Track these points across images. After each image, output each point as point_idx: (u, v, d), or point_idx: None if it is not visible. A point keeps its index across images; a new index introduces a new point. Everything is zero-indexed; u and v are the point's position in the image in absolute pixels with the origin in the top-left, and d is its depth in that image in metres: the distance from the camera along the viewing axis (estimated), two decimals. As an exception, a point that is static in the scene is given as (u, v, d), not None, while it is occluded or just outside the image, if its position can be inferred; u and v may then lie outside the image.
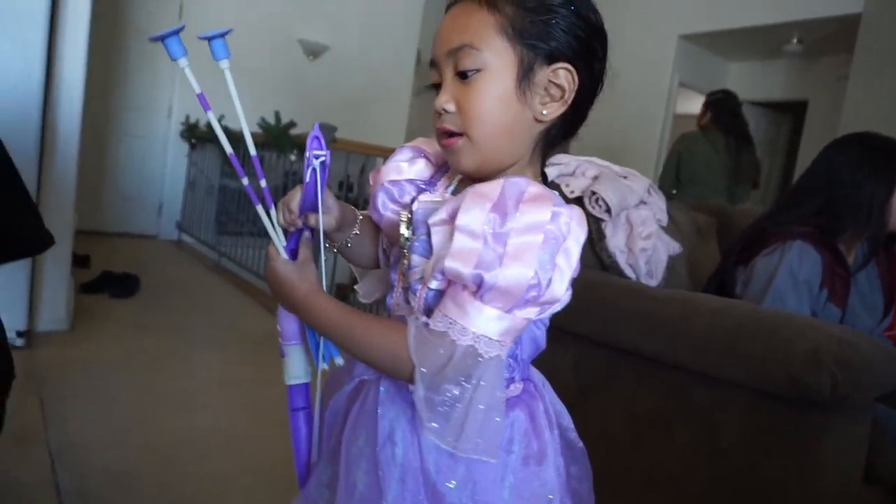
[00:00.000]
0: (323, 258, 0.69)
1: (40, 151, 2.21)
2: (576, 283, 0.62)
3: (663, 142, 5.66)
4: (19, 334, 2.20)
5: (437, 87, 0.65)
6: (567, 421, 0.74)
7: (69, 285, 2.47)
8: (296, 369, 0.73)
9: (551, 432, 0.69)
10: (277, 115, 3.89)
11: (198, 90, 0.62)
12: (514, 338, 0.60)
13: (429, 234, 0.62)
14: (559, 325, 0.67)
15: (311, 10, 5.39)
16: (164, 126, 5.01)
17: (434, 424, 0.57)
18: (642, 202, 1.42)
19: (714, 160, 3.25)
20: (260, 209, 0.66)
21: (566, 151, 0.70)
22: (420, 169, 0.73)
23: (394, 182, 0.72)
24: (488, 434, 0.58)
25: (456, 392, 0.57)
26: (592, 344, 1.25)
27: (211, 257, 4.46)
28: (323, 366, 0.73)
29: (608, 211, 1.35)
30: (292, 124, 3.82)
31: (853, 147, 1.36)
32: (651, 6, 5.60)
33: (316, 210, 0.66)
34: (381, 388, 0.67)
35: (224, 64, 0.67)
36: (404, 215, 0.66)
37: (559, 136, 0.67)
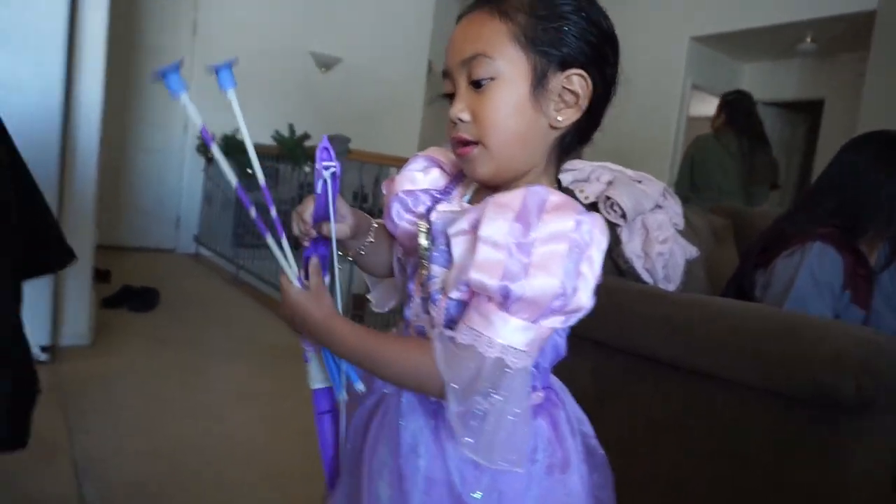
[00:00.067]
0: (337, 267, 0.70)
1: (61, 169, 2.25)
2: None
3: (677, 145, 5.63)
4: (43, 349, 2.23)
5: (450, 96, 0.65)
6: (588, 428, 0.73)
7: (91, 300, 2.50)
8: (320, 373, 0.73)
9: (574, 440, 0.69)
10: (291, 128, 3.93)
11: (200, 123, 0.62)
12: (539, 347, 0.60)
13: (448, 245, 0.62)
14: (576, 332, 0.66)
15: (323, 24, 5.44)
16: (181, 141, 5.08)
17: (469, 440, 0.57)
18: (658, 206, 1.41)
19: (728, 163, 3.22)
20: (270, 240, 0.65)
21: (579, 157, 0.70)
22: (434, 178, 0.73)
23: (408, 192, 0.73)
24: (518, 445, 0.58)
25: (487, 406, 0.57)
26: (610, 350, 1.24)
27: (229, 270, 4.50)
28: (343, 395, 0.72)
29: (623, 216, 1.34)
30: (306, 136, 3.86)
31: (871, 146, 1.34)
32: (662, 9, 5.59)
33: (328, 217, 0.67)
34: (403, 400, 0.67)
35: (231, 94, 0.66)
36: (423, 226, 0.66)
37: (574, 142, 0.67)
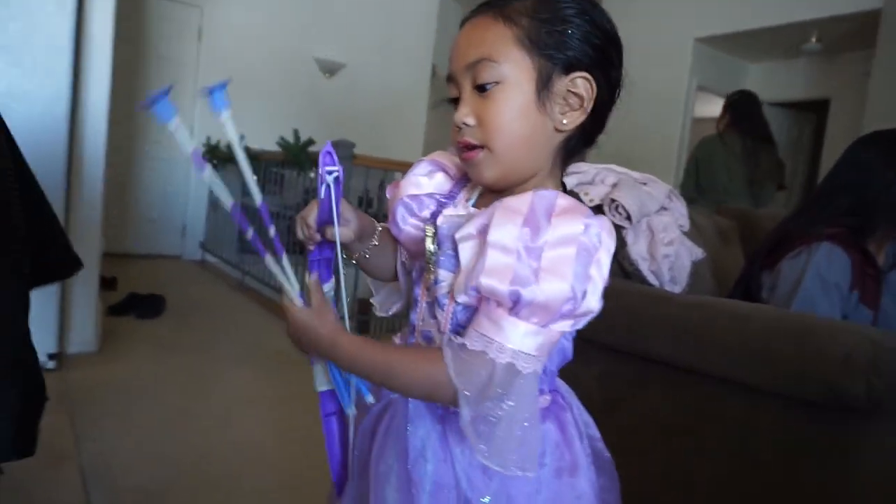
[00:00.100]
0: (342, 271, 0.69)
1: (68, 178, 2.26)
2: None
3: (683, 147, 5.61)
4: (50, 357, 2.24)
5: (454, 101, 0.65)
6: (594, 431, 0.73)
7: (97, 308, 2.51)
8: (325, 376, 0.73)
9: (581, 443, 0.69)
10: (296, 133, 3.94)
11: (190, 149, 0.61)
12: (549, 351, 0.60)
13: (455, 249, 0.62)
14: (581, 335, 0.66)
15: (327, 29, 5.47)
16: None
17: (483, 447, 0.57)
18: (663, 208, 1.41)
19: (733, 164, 3.20)
20: (268, 260, 0.64)
21: (583, 160, 0.70)
22: (439, 182, 0.73)
23: (413, 196, 0.73)
24: (529, 449, 0.58)
25: (499, 412, 0.57)
26: (616, 353, 1.23)
27: (234, 276, 4.51)
28: (352, 410, 0.72)
29: (628, 218, 1.34)
30: (311, 142, 3.87)
31: (878, 145, 1.33)
32: (666, 10, 5.58)
33: (332, 221, 0.66)
34: (410, 405, 0.67)
35: (225, 115, 0.65)
36: (429, 230, 0.66)
37: (579, 145, 0.67)
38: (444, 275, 0.64)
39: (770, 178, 3.24)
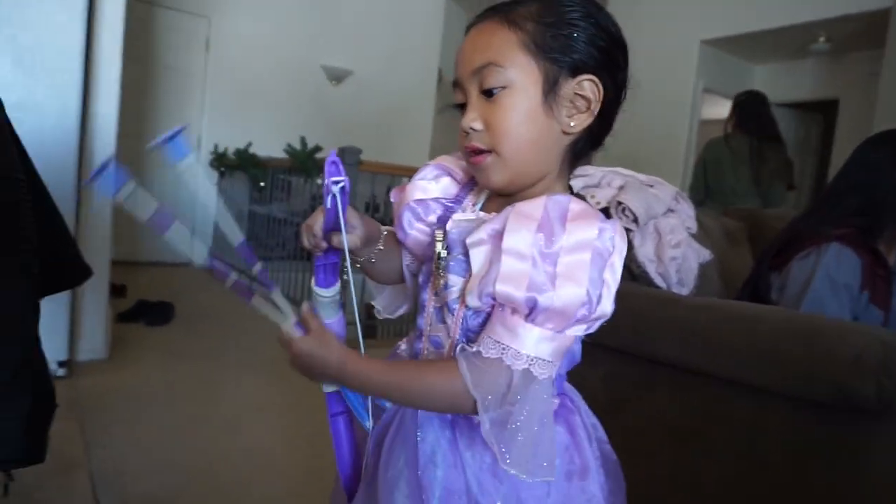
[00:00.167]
0: (351, 279, 0.69)
1: (78, 187, 2.28)
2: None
3: (690, 149, 5.59)
4: (60, 364, 2.26)
5: (461, 106, 0.66)
6: (601, 433, 0.73)
7: (107, 315, 2.53)
8: None
9: (591, 446, 0.68)
10: (303, 141, 3.96)
11: (147, 216, 0.61)
12: (563, 356, 0.60)
13: (466, 254, 0.62)
14: (588, 337, 0.66)
15: (334, 37, 5.51)
16: (194, 157, 5.13)
17: (507, 455, 0.57)
18: (670, 210, 1.40)
19: (739, 165, 3.19)
20: (255, 302, 0.62)
21: (589, 163, 0.70)
22: (445, 186, 0.73)
23: (419, 201, 0.73)
24: (547, 454, 0.58)
25: (520, 419, 0.57)
26: (623, 356, 1.23)
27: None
28: (370, 424, 0.72)
29: (635, 221, 1.33)
30: (318, 149, 3.89)
31: (888, 144, 1.33)
32: (671, 13, 5.57)
33: (339, 230, 0.66)
34: (419, 412, 0.66)
35: (187, 161, 0.64)
36: (439, 235, 0.66)
37: (586, 147, 0.67)
38: (454, 279, 0.64)
39: (778, 178, 3.22)
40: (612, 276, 0.58)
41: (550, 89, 0.61)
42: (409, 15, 5.85)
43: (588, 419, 0.71)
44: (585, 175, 1.43)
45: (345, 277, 0.70)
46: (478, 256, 0.60)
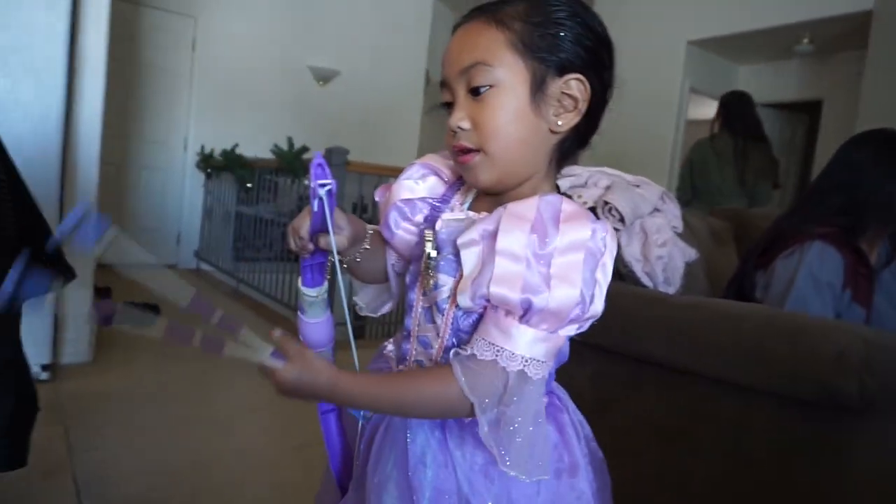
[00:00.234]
0: (340, 282, 0.69)
1: (61, 188, 2.25)
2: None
3: (676, 149, 5.63)
4: (44, 368, 2.23)
5: (448, 105, 0.65)
6: (588, 430, 0.73)
7: (91, 318, 2.50)
8: None
9: (579, 444, 0.69)
10: (290, 141, 3.95)
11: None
12: (555, 356, 0.61)
13: (456, 254, 0.62)
14: (575, 337, 0.66)
15: (320, 37, 5.48)
16: (181, 158, 5.10)
17: (506, 457, 0.57)
18: (656, 210, 1.41)
19: (724, 165, 3.22)
20: (228, 349, 0.60)
21: (576, 162, 0.70)
22: (432, 186, 0.73)
23: (406, 201, 0.73)
24: (542, 453, 0.59)
25: (517, 422, 0.57)
26: (610, 354, 1.23)
27: (229, 284, 4.50)
28: (363, 416, 0.72)
29: (622, 220, 1.34)
30: (305, 149, 3.88)
31: (870, 144, 1.34)
32: (658, 13, 5.60)
33: (326, 230, 0.65)
34: None
35: (107, 238, 0.61)
36: (429, 235, 0.66)
37: (573, 146, 0.67)
38: (444, 279, 0.64)
39: (764, 177, 3.26)
40: (604, 276, 0.59)
41: (538, 88, 0.61)
42: (396, 15, 5.83)
43: (575, 417, 0.72)
44: (572, 175, 1.43)
45: (329, 278, 0.70)
46: (469, 257, 0.60)
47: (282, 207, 4.15)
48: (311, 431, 0.78)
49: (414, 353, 0.70)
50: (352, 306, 0.83)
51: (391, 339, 0.79)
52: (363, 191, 3.73)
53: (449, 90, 0.65)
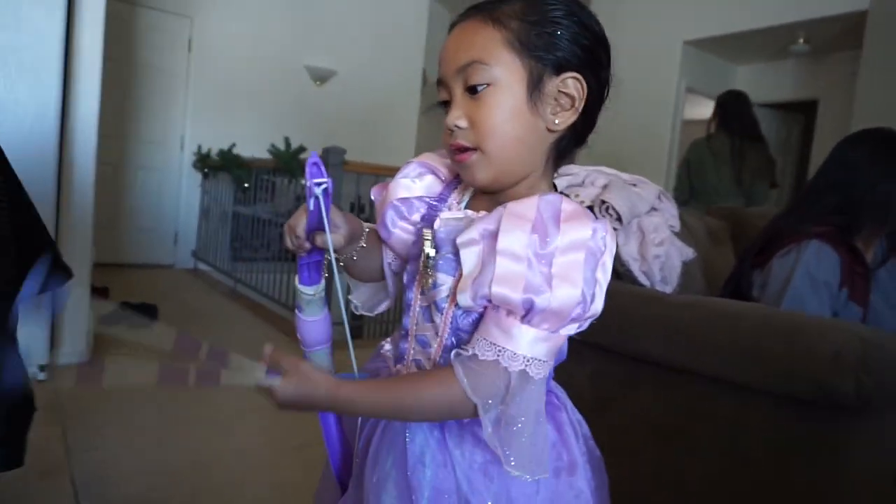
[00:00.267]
0: (337, 281, 0.69)
1: (57, 187, 2.25)
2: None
3: (673, 148, 5.64)
4: (41, 368, 2.22)
5: (445, 104, 0.65)
6: (586, 429, 0.73)
7: (88, 318, 2.50)
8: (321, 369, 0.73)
9: (577, 442, 0.69)
10: (287, 141, 3.94)
11: None
12: (555, 355, 0.61)
13: (455, 253, 0.62)
14: (574, 336, 0.66)
15: (317, 37, 5.48)
16: (178, 158, 5.09)
17: (511, 457, 0.57)
18: (653, 209, 1.41)
19: (721, 165, 3.23)
20: (224, 378, 0.59)
21: (573, 162, 0.70)
22: (429, 184, 0.73)
23: (403, 200, 0.72)
24: (543, 452, 0.59)
25: (520, 422, 0.57)
26: (609, 354, 1.23)
27: (227, 284, 4.49)
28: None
29: (619, 219, 1.34)
30: (302, 149, 3.88)
31: (866, 143, 1.34)
32: (654, 13, 5.62)
33: (322, 229, 0.65)
34: None
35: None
36: (427, 234, 0.66)
37: (570, 145, 0.67)
38: (443, 278, 0.64)
39: (760, 177, 3.27)
40: (604, 275, 0.59)
41: (535, 87, 0.62)
42: (393, 15, 5.83)
43: (574, 415, 0.72)
44: (569, 174, 1.44)
45: (327, 276, 0.70)
46: (469, 256, 0.60)
47: (279, 207, 4.15)
48: (311, 431, 0.77)
49: (412, 352, 0.70)
50: (348, 306, 0.82)
51: (388, 339, 0.79)
52: (360, 191, 3.73)
53: (446, 88, 0.65)
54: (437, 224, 0.66)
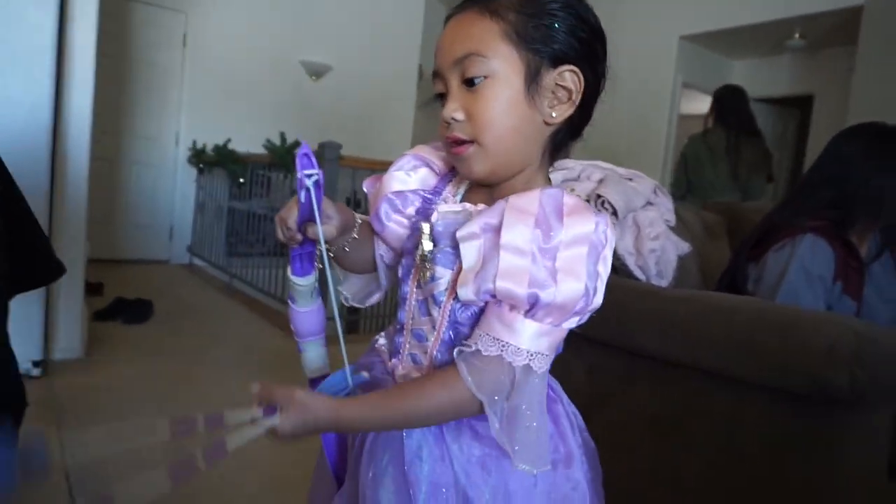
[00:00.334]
0: (330, 276, 0.68)
1: (51, 182, 2.23)
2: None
3: (669, 143, 5.65)
4: (35, 364, 2.21)
5: (440, 97, 0.65)
6: (581, 421, 0.73)
7: (83, 313, 2.49)
8: (314, 362, 0.73)
9: (573, 434, 0.69)
10: (283, 136, 3.93)
11: None
12: (556, 348, 0.61)
13: (454, 247, 0.62)
14: (575, 329, 0.66)
15: (313, 33, 5.45)
16: (173, 153, 5.07)
17: (522, 455, 0.57)
18: (649, 203, 1.41)
19: (718, 160, 3.24)
20: (229, 442, 0.58)
21: (568, 156, 0.70)
22: (423, 177, 0.72)
23: (397, 193, 0.72)
24: (545, 445, 0.59)
25: (527, 417, 0.57)
26: (604, 347, 1.23)
27: (222, 279, 4.48)
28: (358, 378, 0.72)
29: (615, 214, 1.34)
30: (297, 144, 3.86)
31: (861, 138, 1.35)
32: (651, 9, 5.61)
33: (313, 220, 0.65)
34: None
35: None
36: (426, 228, 0.65)
37: (566, 138, 0.67)
38: (441, 272, 0.64)
39: (757, 171, 3.27)
40: (605, 268, 0.59)
41: (532, 80, 0.61)
42: (388, 10, 5.81)
43: (569, 407, 0.72)
44: (565, 168, 1.43)
45: (320, 265, 0.69)
46: (470, 250, 0.60)
47: (275, 202, 4.14)
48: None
49: (407, 346, 0.69)
50: (338, 298, 0.82)
51: (383, 333, 0.79)
52: (356, 185, 3.73)
53: (442, 81, 0.64)
54: (434, 217, 0.65)
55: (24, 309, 2.17)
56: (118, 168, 4.85)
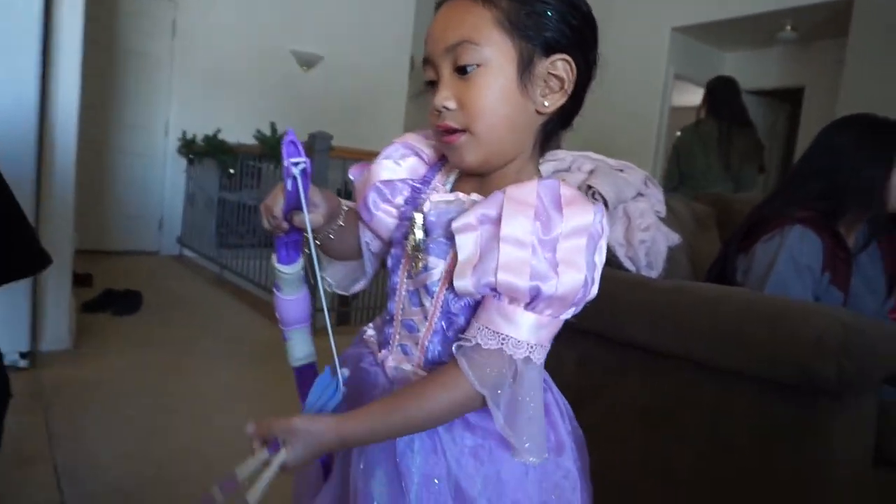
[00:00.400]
0: (316, 263, 0.67)
1: (37, 173, 2.21)
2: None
3: (660, 135, 5.65)
4: (22, 355, 2.20)
5: (431, 84, 0.64)
6: (570, 410, 0.73)
7: (70, 304, 2.47)
8: (299, 351, 0.72)
9: (564, 423, 0.69)
10: (273, 127, 3.90)
11: None
12: (552, 338, 0.61)
13: (448, 237, 0.61)
14: (571, 319, 0.66)
15: (304, 22, 5.40)
16: (162, 143, 5.02)
17: (526, 446, 0.58)
18: (639, 194, 1.41)
19: (710, 151, 3.25)
20: (250, 497, 0.57)
21: (559, 146, 0.69)
22: (412, 166, 0.71)
23: (386, 182, 0.71)
24: (543, 434, 0.60)
25: (529, 409, 0.58)
26: (593, 338, 1.24)
27: (212, 270, 4.46)
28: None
29: (605, 205, 1.34)
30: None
31: (850, 129, 1.35)
32: (643, 0, 5.60)
33: (300, 208, 0.63)
34: None
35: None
36: (418, 218, 0.65)
37: (556, 127, 0.67)
38: (434, 262, 0.63)
39: (748, 161, 3.29)
40: (601, 259, 0.59)
41: (525, 68, 0.60)
42: (379, 0, 5.77)
43: (559, 396, 0.72)
44: (556, 159, 1.43)
45: (307, 251, 0.68)
46: (466, 242, 0.59)
47: (265, 193, 4.11)
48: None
49: (397, 337, 0.69)
50: (332, 294, 0.81)
51: (371, 324, 0.78)
52: (347, 177, 3.71)
53: (433, 68, 0.63)
54: (426, 207, 0.65)
55: (11, 299, 2.15)
56: (106, 158, 4.80)
